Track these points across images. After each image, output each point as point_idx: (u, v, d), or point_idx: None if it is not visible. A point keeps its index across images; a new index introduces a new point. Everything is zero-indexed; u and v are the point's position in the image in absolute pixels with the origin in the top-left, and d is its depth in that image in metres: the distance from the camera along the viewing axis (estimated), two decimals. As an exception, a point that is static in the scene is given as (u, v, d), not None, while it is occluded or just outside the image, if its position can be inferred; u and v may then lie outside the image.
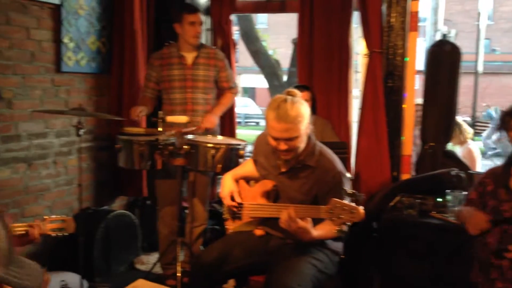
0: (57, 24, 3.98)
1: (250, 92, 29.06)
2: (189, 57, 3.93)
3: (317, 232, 2.49)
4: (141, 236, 4.51)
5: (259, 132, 3.02)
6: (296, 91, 2.60)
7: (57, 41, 4.00)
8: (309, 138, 2.64)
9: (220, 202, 4.77)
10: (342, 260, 2.73)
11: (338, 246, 2.72)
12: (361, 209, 2.30)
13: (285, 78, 9.50)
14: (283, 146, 2.53)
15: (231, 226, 2.94)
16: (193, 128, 3.70)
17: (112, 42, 4.48)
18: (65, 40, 4.02)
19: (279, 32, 24.56)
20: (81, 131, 3.36)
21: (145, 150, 3.48)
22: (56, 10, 3.97)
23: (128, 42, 4.42)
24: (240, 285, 2.97)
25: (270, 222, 2.71)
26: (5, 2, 3.60)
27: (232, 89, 4.10)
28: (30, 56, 3.82)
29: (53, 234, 2.55)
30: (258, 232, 2.79)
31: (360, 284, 3.25)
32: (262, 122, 12.55)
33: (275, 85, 9.16)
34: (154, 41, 4.71)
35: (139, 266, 4.41)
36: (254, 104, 25.17)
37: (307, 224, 2.44)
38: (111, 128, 4.50)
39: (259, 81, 18.72)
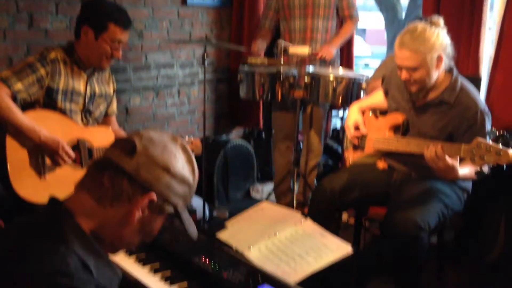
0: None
1: (360, 34, 28.02)
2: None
3: (462, 172, 2.36)
4: (257, 166, 4.67)
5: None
6: (439, 20, 2.45)
7: (184, -26, 4.12)
8: (450, 72, 2.51)
9: (337, 137, 4.78)
10: (469, 197, 2.64)
11: (467, 183, 2.62)
12: (510, 151, 2.12)
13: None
14: (404, 75, 2.43)
15: (351, 156, 2.94)
16: (310, 55, 3.66)
17: (233, -26, 4.51)
18: (190, -28, 4.12)
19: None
20: (206, 61, 3.47)
21: (266, 81, 3.53)
22: None
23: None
24: (360, 215, 3.00)
25: (394, 155, 2.67)
26: None
27: (353, 18, 3.98)
28: (158, -12, 3.98)
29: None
30: (381, 164, 2.76)
31: (484, 224, 3.13)
32: (373, 63, 12.07)
33: (391, 22, 8.73)
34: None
35: (254, 194, 4.60)
36: (365, 44, 24.25)
37: (455, 162, 2.30)
38: (230, 61, 4.62)
39: (372, 21, 17.93)
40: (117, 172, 1.20)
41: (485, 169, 2.30)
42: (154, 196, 1.22)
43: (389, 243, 2.49)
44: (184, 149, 1.30)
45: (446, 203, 2.48)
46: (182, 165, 1.27)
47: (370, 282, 2.91)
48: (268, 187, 4.65)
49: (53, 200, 1.23)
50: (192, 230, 1.36)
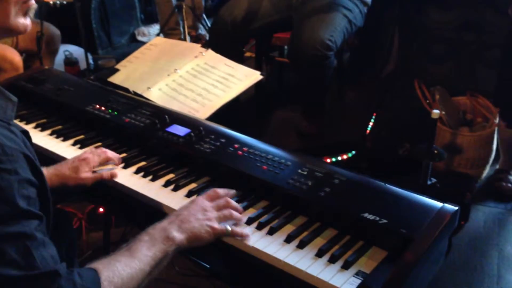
0: None
1: None
2: None
3: None
4: (139, 8, 4.23)
5: None
6: None
7: None
8: None
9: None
10: (369, 11, 2.55)
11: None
12: None
13: None
14: None
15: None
16: None
17: None
18: None
19: None
20: None
21: None
22: None
23: None
24: (263, 44, 2.83)
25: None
26: None
27: None
28: None
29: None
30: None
31: (379, 39, 3.13)
32: None
33: None
34: None
35: (140, 38, 4.23)
36: None
37: None
38: None
39: None
40: None
41: None
42: None
43: (296, 67, 2.38)
44: None
45: (350, 19, 2.37)
46: None
47: (275, 111, 2.87)
48: (155, 28, 4.28)
49: None
50: None
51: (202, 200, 1.14)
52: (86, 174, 1.31)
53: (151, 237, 1.02)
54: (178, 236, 1.04)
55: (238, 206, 1.18)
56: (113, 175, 1.32)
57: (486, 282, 2.00)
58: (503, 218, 2.36)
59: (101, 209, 2.20)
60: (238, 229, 1.10)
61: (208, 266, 1.32)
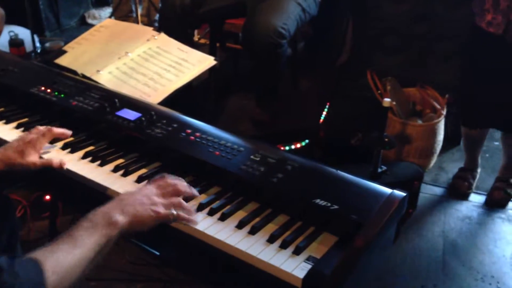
0: None
1: None
2: None
3: None
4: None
5: None
6: None
7: None
8: None
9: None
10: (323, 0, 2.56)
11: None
12: None
13: None
14: None
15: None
16: None
17: None
18: None
19: None
20: None
21: None
22: None
23: None
24: (216, 30, 2.79)
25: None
26: None
27: None
28: None
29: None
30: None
31: (333, 28, 3.15)
32: None
33: None
34: None
35: (91, 21, 4.09)
36: None
37: None
38: None
39: None
40: None
41: None
42: None
43: (249, 54, 2.36)
44: None
45: (303, 8, 2.37)
46: None
47: (229, 97, 2.85)
48: (106, 12, 4.15)
49: None
50: None
51: (149, 187, 1.11)
52: (33, 158, 1.24)
53: (93, 223, 0.98)
54: (121, 219, 1.00)
55: (194, 190, 1.16)
56: (62, 164, 1.26)
57: (432, 268, 2.07)
58: (449, 206, 2.44)
59: (47, 197, 2.12)
60: (185, 215, 1.08)
61: (158, 253, 1.29)
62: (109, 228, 0.98)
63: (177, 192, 1.11)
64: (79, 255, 0.92)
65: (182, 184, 1.14)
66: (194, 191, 1.16)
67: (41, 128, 1.31)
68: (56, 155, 1.32)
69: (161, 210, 1.05)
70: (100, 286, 1.88)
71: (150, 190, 1.09)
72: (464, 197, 2.51)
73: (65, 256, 0.90)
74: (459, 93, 2.56)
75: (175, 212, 1.06)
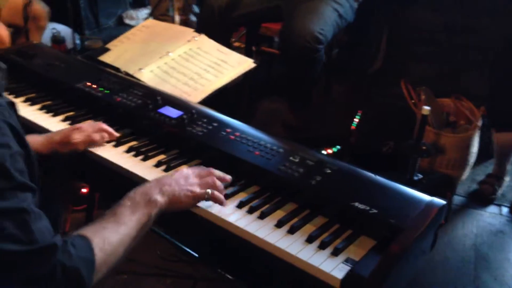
0: None
1: None
2: None
3: None
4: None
5: None
6: None
7: None
8: None
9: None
10: (360, 6, 2.57)
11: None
12: None
13: None
14: None
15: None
16: None
17: None
18: None
19: None
20: None
21: None
22: None
23: None
24: (252, 33, 2.81)
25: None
26: None
27: None
28: None
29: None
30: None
31: (368, 38, 3.14)
32: None
33: None
34: None
35: (128, 21, 4.17)
36: None
37: None
38: None
39: None
40: None
41: None
42: None
43: (285, 59, 2.38)
44: None
45: (340, 14, 2.38)
46: None
47: (262, 101, 2.87)
48: (143, 12, 4.23)
49: None
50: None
51: (185, 170, 1.15)
52: (77, 138, 1.30)
53: (133, 201, 1.01)
54: (160, 198, 1.04)
55: (226, 175, 1.19)
56: (115, 136, 1.34)
57: (463, 281, 2.04)
58: (481, 219, 2.41)
59: (84, 190, 2.17)
60: (219, 194, 1.12)
61: (197, 256, 1.31)
62: (149, 207, 1.02)
63: (211, 174, 1.16)
64: (123, 233, 0.95)
65: (215, 170, 1.19)
66: (227, 176, 1.19)
67: (93, 122, 1.37)
68: (101, 147, 1.36)
69: (197, 189, 1.10)
70: (132, 279, 1.92)
71: (186, 172, 1.14)
72: (488, 202, 2.50)
73: (110, 234, 0.93)
74: (492, 97, 2.55)
75: (210, 191, 1.10)
